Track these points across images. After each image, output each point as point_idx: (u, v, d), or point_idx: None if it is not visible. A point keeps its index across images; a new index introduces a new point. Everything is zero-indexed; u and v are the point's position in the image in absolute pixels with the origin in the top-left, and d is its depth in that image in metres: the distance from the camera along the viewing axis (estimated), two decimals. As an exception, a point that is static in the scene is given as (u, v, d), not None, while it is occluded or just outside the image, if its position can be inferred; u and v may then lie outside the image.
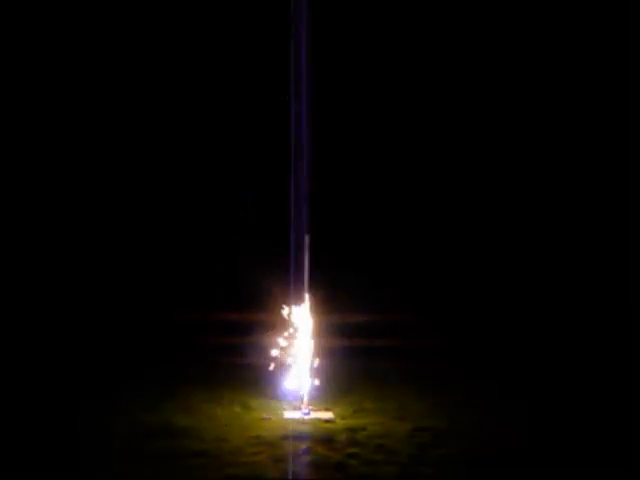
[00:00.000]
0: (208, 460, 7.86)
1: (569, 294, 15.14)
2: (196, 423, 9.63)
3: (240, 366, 14.07)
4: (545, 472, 7.75)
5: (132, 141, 16.90)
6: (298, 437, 8.96)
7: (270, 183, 16.40)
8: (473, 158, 16.72)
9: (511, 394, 11.92)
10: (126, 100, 16.84)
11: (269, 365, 10.68)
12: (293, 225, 14.00)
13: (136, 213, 16.81)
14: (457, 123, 16.92)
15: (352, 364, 14.24)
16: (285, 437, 8.93)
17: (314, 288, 10.70)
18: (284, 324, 10.66)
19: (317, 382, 10.49)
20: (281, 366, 10.62)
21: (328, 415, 10.28)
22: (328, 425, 9.64)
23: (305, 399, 10.37)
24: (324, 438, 8.78)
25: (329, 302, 12.23)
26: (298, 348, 10.53)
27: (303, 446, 8.54)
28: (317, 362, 10.60)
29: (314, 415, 10.22)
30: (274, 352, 10.63)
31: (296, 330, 10.55)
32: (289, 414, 10.29)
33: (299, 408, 10.36)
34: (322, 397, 10.97)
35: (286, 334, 10.59)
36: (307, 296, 10.58)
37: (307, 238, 10.70)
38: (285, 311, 10.64)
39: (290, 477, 7.53)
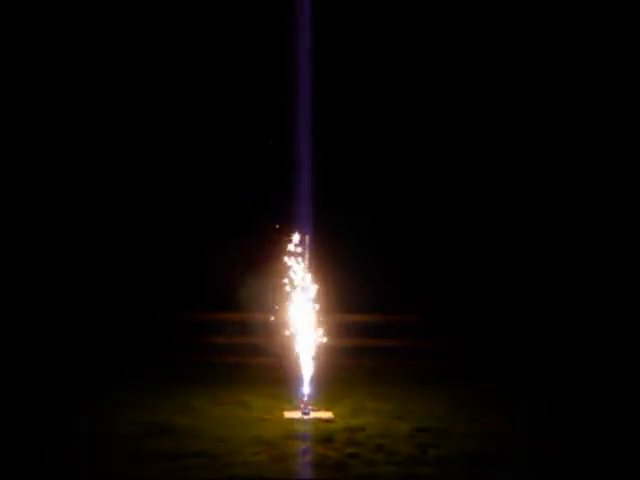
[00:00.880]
0: (208, 460, 7.87)
1: (578, 294, 15.20)
2: (196, 423, 9.64)
3: (240, 366, 14.16)
4: (545, 472, 7.74)
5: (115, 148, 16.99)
6: (298, 437, 8.96)
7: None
8: (487, 160, 16.79)
9: (511, 394, 11.94)
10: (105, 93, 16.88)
11: (270, 320, 10.74)
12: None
13: (123, 214, 16.90)
14: (461, 125, 16.97)
15: (355, 363, 14.31)
16: (285, 437, 8.93)
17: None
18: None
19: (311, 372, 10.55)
20: (281, 324, 10.64)
21: (328, 415, 10.28)
22: (328, 425, 9.64)
23: (305, 399, 10.38)
24: (324, 438, 8.78)
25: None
26: (298, 315, 10.59)
27: (303, 446, 8.54)
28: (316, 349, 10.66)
29: (314, 415, 10.22)
30: (274, 307, 10.68)
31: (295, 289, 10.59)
32: (289, 414, 10.30)
33: (299, 408, 10.37)
34: (322, 397, 11.00)
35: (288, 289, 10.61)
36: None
37: (307, 238, 10.72)
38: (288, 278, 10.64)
39: (290, 477, 7.53)
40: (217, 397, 11.39)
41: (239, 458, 7.96)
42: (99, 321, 14.84)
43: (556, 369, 13.45)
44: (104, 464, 7.77)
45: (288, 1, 15.39)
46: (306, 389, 10.49)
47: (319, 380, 10.79)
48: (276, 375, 12.76)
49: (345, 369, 13.69)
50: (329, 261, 12.27)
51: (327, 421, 9.93)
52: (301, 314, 10.60)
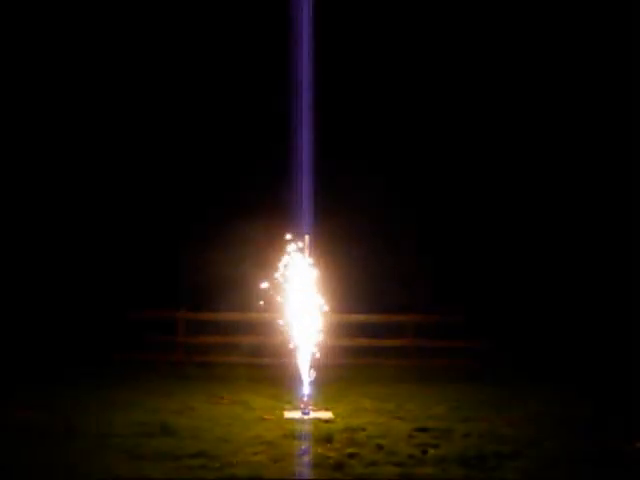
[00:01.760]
0: (208, 460, 7.86)
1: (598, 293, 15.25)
2: (196, 423, 9.63)
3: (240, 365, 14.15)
4: (545, 472, 7.74)
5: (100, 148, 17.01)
6: (298, 437, 8.96)
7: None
8: (508, 163, 16.86)
9: (510, 394, 11.93)
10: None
11: (259, 305, 10.73)
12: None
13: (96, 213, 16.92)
14: (470, 127, 17.01)
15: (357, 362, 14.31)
16: (285, 437, 8.92)
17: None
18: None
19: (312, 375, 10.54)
20: (272, 304, 10.64)
21: (328, 415, 10.28)
22: (328, 425, 9.64)
23: (305, 398, 10.38)
24: (324, 438, 8.77)
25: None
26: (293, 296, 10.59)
27: (303, 446, 8.54)
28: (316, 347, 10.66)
29: (314, 415, 10.22)
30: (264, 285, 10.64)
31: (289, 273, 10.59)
32: (289, 414, 10.30)
33: (299, 408, 10.37)
34: (322, 397, 11.00)
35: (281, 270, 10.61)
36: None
37: (307, 238, 10.72)
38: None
39: (290, 477, 7.53)
40: (217, 397, 11.40)
41: (239, 458, 7.95)
42: (73, 317, 14.93)
43: (559, 369, 13.49)
44: (104, 464, 7.76)
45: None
46: (306, 389, 10.49)
47: (319, 380, 10.80)
48: (276, 375, 12.78)
49: (355, 369, 13.76)
50: (331, 261, 12.28)
51: (327, 421, 9.93)
52: (299, 311, 10.61)
